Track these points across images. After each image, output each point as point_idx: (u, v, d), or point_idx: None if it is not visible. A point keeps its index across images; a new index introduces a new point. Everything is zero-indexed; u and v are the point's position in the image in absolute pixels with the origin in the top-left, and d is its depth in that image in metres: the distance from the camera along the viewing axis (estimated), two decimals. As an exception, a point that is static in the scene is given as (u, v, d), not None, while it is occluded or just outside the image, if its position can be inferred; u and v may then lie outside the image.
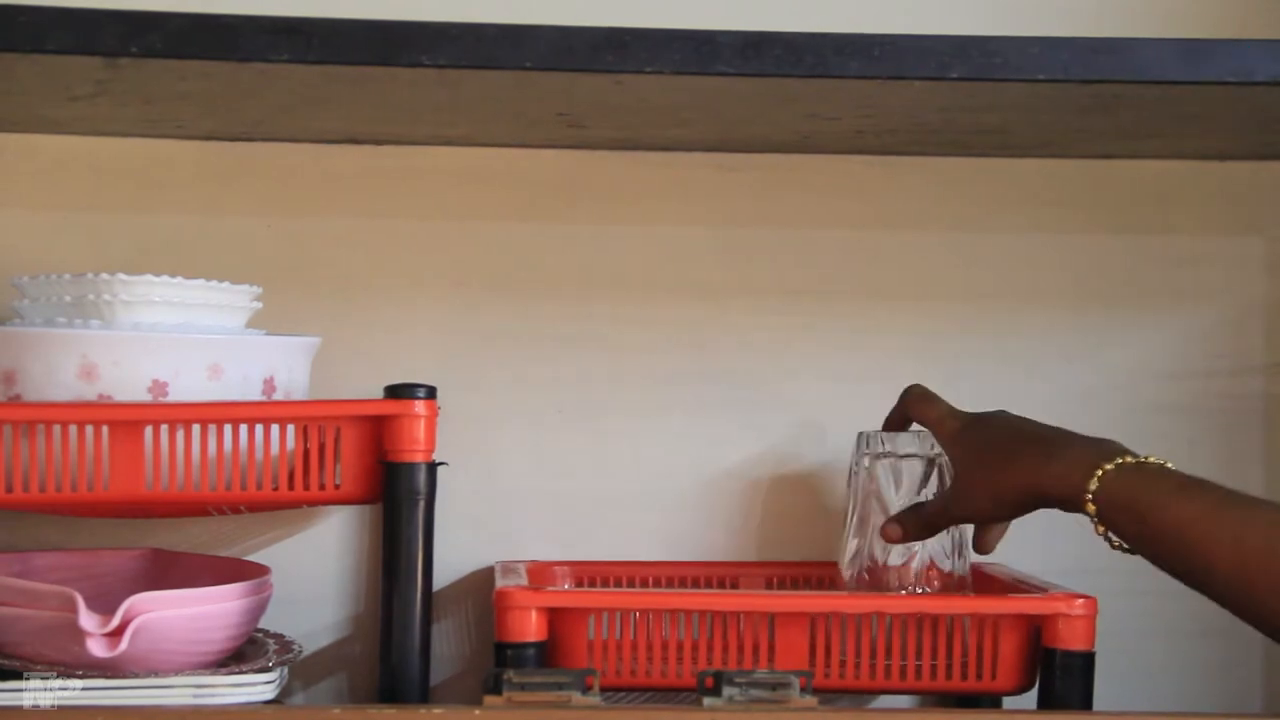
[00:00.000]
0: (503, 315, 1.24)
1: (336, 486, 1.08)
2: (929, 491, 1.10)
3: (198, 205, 1.23)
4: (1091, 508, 0.98)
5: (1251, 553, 0.92)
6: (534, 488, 1.25)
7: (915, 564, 1.10)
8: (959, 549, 1.11)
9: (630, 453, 1.25)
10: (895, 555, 1.10)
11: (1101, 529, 0.98)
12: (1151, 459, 0.99)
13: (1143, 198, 1.28)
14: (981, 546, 1.09)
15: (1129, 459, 0.98)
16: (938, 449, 1.10)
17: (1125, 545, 0.98)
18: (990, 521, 1.08)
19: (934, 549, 1.10)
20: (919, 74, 0.95)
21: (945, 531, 1.10)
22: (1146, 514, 0.96)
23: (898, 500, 1.10)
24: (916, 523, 1.08)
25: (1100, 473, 0.97)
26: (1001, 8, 1.23)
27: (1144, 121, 1.11)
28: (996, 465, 1.04)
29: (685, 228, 1.26)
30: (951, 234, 1.27)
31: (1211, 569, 0.94)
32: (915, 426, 1.11)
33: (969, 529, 1.10)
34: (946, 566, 1.10)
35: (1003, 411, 1.08)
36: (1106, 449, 1.00)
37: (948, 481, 1.10)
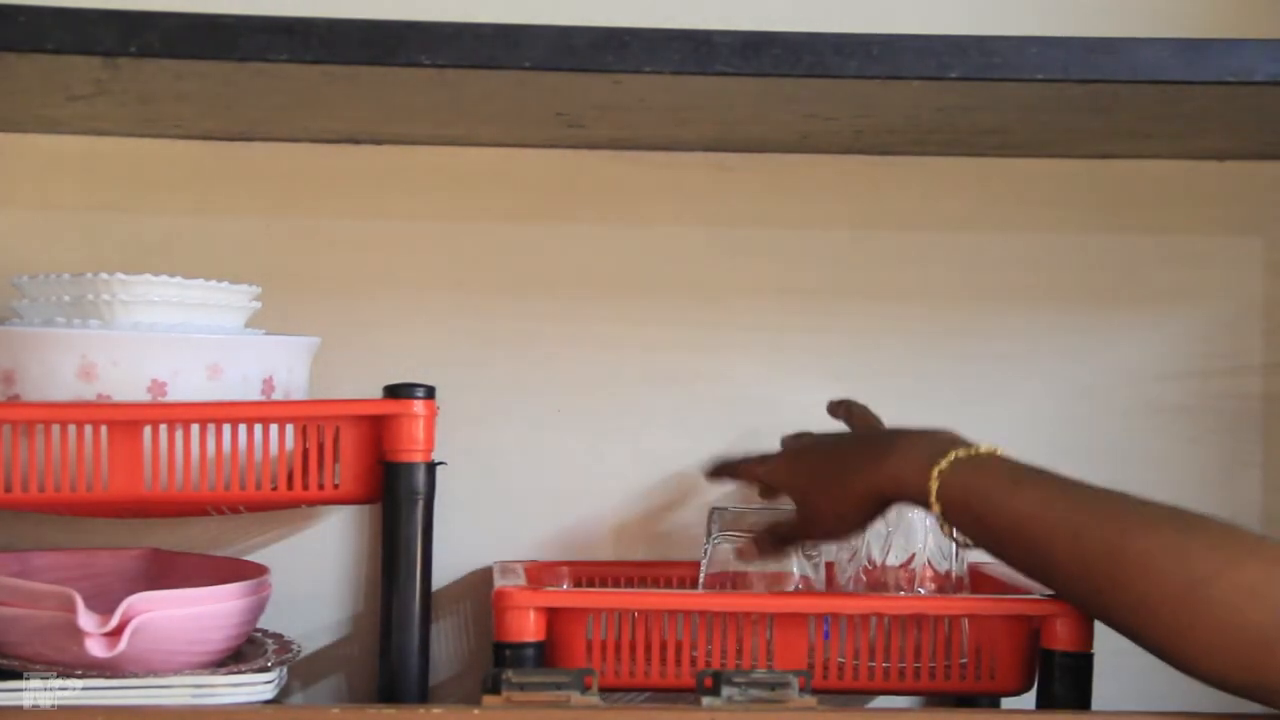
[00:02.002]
0: (502, 315, 1.24)
1: (336, 486, 1.08)
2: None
3: (197, 205, 1.23)
4: (937, 508, 0.97)
5: (1090, 547, 0.91)
6: (534, 488, 1.25)
7: (913, 564, 1.10)
8: (957, 550, 1.11)
9: (630, 453, 1.25)
10: (893, 556, 1.10)
11: (947, 528, 0.98)
12: (984, 448, 0.98)
13: (1143, 198, 1.28)
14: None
15: (962, 452, 0.97)
16: None
17: (965, 541, 0.99)
18: (844, 536, 1.08)
19: (932, 550, 1.10)
20: (918, 74, 0.95)
21: (944, 533, 1.10)
22: (984, 512, 0.96)
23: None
24: (771, 544, 1.08)
25: (937, 470, 0.97)
26: (1001, 8, 1.23)
27: (1143, 121, 1.11)
28: (831, 482, 1.03)
29: (684, 228, 1.26)
30: (951, 234, 1.27)
31: (1052, 565, 0.94)
32: None
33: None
34: (944, 567, 1.10)
35: (812, 434, 1.10)
36: (939, 442, 0.99)
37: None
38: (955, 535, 0.98)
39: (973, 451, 0.98)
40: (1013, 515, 0.95)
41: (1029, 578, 0.99)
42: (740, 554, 1.08)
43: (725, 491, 1.24)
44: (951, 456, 0.97)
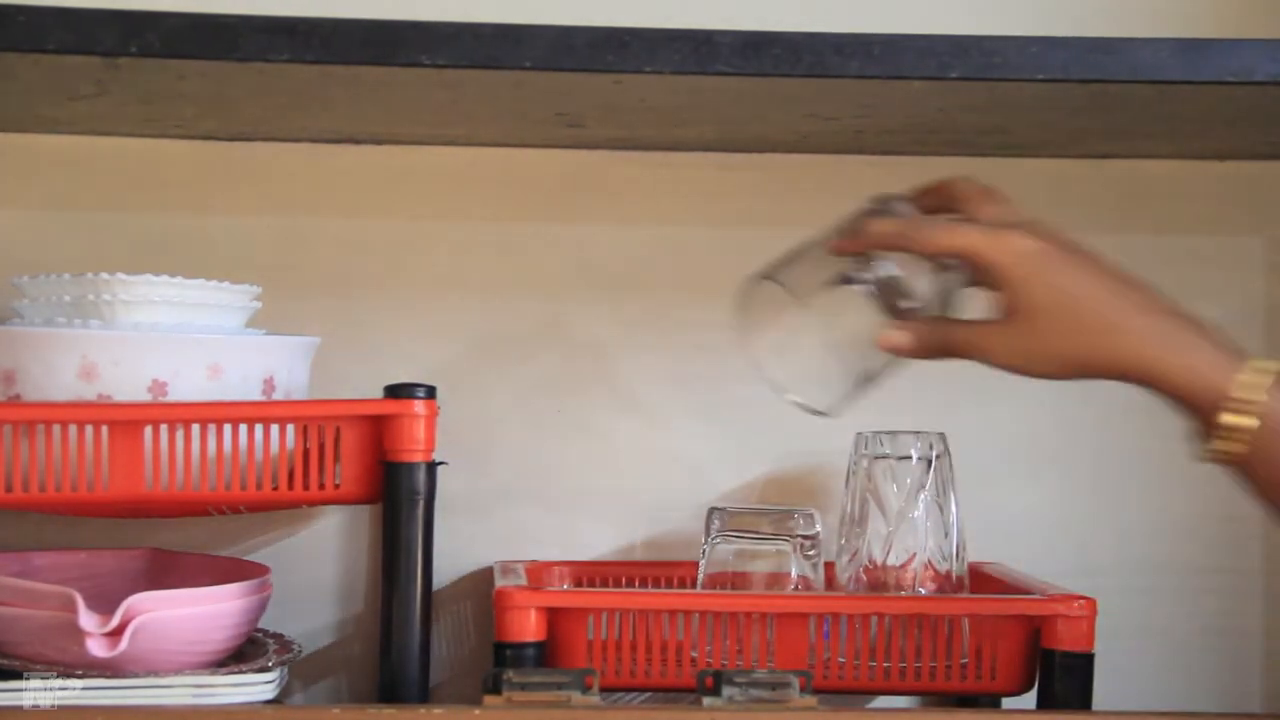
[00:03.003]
0: (502, 315, 1.25)
1: (336, 486, 1.08)
2: (927, 493, 1.10)
3: (198, 205, 1.23)
4: (1244, 420, 0.80)
5: None
6: (534, 488, 1.25)
7: (914, 564, 1.10)
8: (957, 550, 1.11)
9: (630, 453, 1.25)
10: (893, 556, 1.10)
11: (1223, 444, 0.81)
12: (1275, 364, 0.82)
13: (1143, 198, 1.28)
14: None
15: (1268, 364, 0.81)
16: (936, 450, 1.10)
17: (1229, 464, 0.82)
18: (1041, 378, 0.87)
19: (932, 550, 1.10)
20: (918, 74, 0.95)
21: (944, 533, 1.10)
22: None
23: (896, 501, 1.10)
24: (934, 338, 0.88)
25: (1253, 378, 0.81)
26: (1001, 8, 1.23)
27: (1143, 121, 1.11)
28: (1094, 323, 0.83)
29: (685, 228, 1.26)
30: (951, 234, 1.27)
31: None
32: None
33: (966, 528, 1.10)
34: (944, 567, 1.10)
35: (1077, 246, 0.87)
36: (1234, 347, 0.83)
37: (945, 479, 1.10)
38: (1226, 450, 0.82)
39: (1273, 367, 0.81)
40: None
41: None
42: (887, 341, 0.87)
43: (724, 492, 1.24)
44: (1265, 366, 0.80)
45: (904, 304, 0.88)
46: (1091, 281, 0.84)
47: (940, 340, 0.87)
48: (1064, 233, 0.87)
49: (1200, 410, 0.81)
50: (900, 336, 0.87)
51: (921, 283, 0.88)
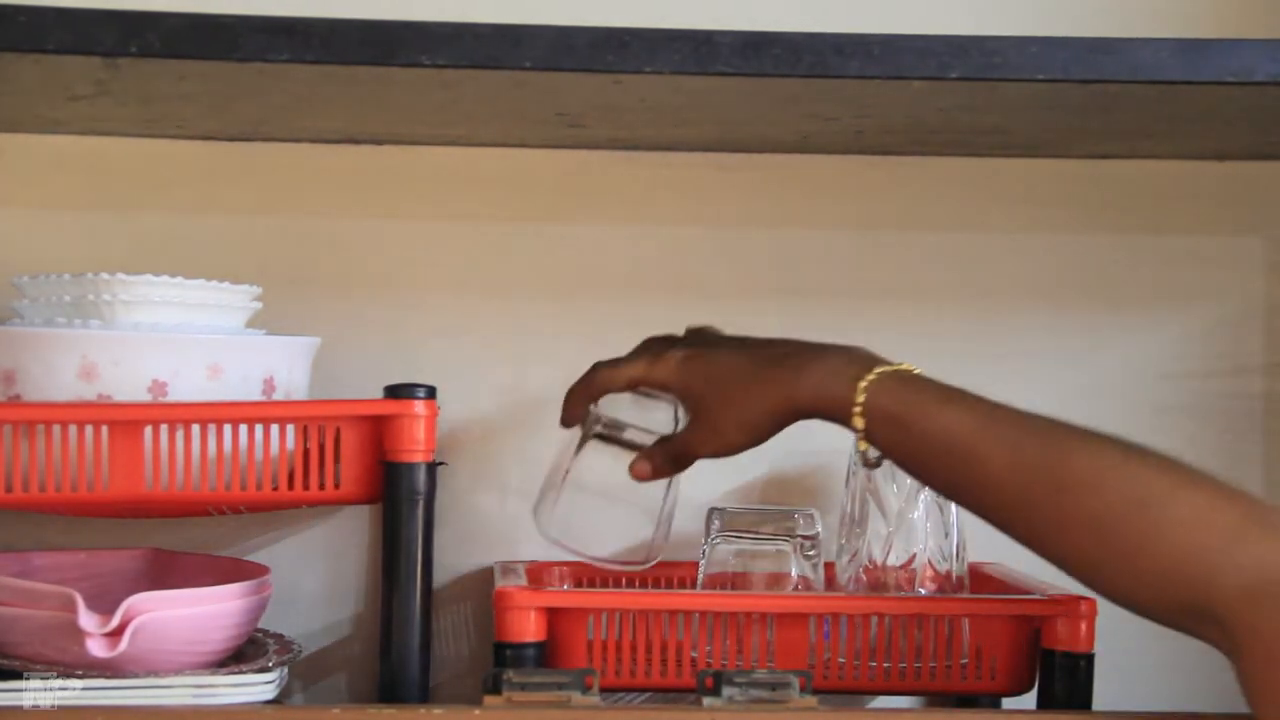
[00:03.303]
0: (503, 315, 1.25)
1: (336, 486, 1.08)
2: (927, 493, 1.10)
3: (198, 205, 1.23)
4: (860, 421, 0.93)
5: (1031, 463, 0.88)
6: (534, 488, 1.24)
7: (914, 565, 1.10)
8: (958, 550, 1.11)
9: (630, 453, 1.25)
10: (893, 556, 1.10)
11: (864, 445, 0.94)
12: (905, 365, 0.95)
13: (1143, 198, 1.28)
14: None
15: (887, 367, 0.95)
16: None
17: (878, 459, 0.95)
18: (742, 449, 1.01)
19: (932, 550, 1.10)
20: (919, 74, 0.95)
21: (944, 533, 1.10)
22: (912, 425, 0.92)
23: (896, 501, 1.10)
24: (664, 458, 1.02)
25: (864, 383, 0.94)
26: (1001, 8, 1.23)
27: (1144, 121, 1.11)
28: (741, 393, 0.98)
29: (685, 228, 1.26)
30: (951, 234, 1.27)
31: (981, 480, 0.90)
32: None
33: (966, 528, 1.10)
34: (944, 568, 1.10)
35: (712, 332, 1.03)
36: (860, 357, 0.96)
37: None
38: (869, 455, 0.95)
39: (897, 367, 0.95)
40: (944, 428, 0.91)
41: (953, 497, 0.97)
42: (635, 473, 1.02)
43: (724, 492, 1.24)
44: (877, 371, 0.94)
45: (638, 440, 1.04)
46: (730, 361, 0.99)
47: (669, 457, 1.02)
48: (710, 333, 1.04)
49: (843, 423, 0.95)
50: (641, 466, 1.02)
51: (636, 419, 1.04)
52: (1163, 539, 0.84)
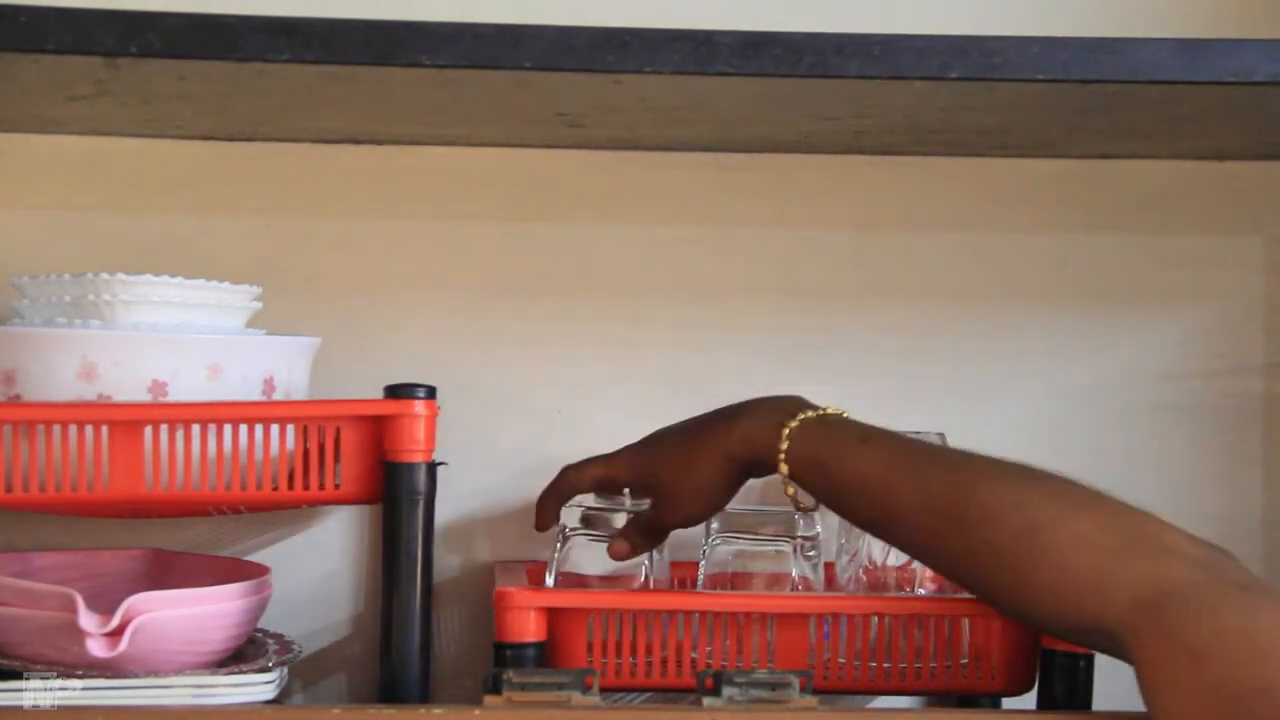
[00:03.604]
0: (502, 315, 1.24)
1: (336, 486, 1.08)
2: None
3: (198, 205, 1.23)
4: (784, 468, 0.99)
5: (935, 495, 0.94)
6: (534, 488, 1.24)
7: (914, 565, 1.10)
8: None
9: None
10: (893, 556, 1.10)
11: (790, 490, 1.01)
12: (831, 410, 1.01)
13: (1143, 198, 1.28)
14: None
15: (811, 413, 1.00)
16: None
17: (809, 504, 1.02)
18: (706, 515, 1.07)
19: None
20: (919, 74, 0.95)
21: (787, 493, 1.10)
22: (831, 467, 0.98)
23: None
24: (639, 534, 1.07)
25: (787, 430, 0.99)
26: (1001, 8, 1.23)
27: (1144, 121, 1.11)
28: (682, 458, 1.04)
29: (685, 228, 1.26)
30: (951, 234, 1.27)
31: (894, 517, 0.96)
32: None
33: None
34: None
35: (660, 428, 1.09)
36: (788, 405, 1.02)
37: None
38: (797, 496, 1.02)
39: (821, 412, 1.01)
40: (859, 469, 0.97)
41: (873, 532, 1.02)
42: (613, 553, 1.07)
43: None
44: (800, 417, 1.00)
45: (614, 523, 1.09)
46: (671, 438, 1.06)
47: (645, 532, 1.07)
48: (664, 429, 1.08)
49: (771, 469, 1.01)
50: (619, 546, 1.07)
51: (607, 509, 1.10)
52: (1050, 562, 0.91)
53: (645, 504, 1.07)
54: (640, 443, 1.08)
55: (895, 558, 1.10)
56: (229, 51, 0.93)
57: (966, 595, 1.10)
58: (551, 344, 1.25)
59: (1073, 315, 1.28)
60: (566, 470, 1.10)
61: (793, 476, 1.00)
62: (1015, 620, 0.98)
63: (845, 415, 1.01)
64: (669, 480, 1.05)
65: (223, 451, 1.04)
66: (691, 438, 1.05)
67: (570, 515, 1.10)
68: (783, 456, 0.99)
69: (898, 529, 0.98)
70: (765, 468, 1.01)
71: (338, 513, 1.23)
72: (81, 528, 1.20)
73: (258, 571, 1.08)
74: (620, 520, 1.09)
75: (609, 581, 1.08)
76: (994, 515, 0.93)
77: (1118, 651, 0.89)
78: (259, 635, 1.10)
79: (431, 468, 1.08)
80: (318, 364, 1.14)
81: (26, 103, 1.10)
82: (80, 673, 0.98)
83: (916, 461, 0.97)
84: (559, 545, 1.10)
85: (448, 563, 1.22)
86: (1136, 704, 1.12)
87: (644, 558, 1.08)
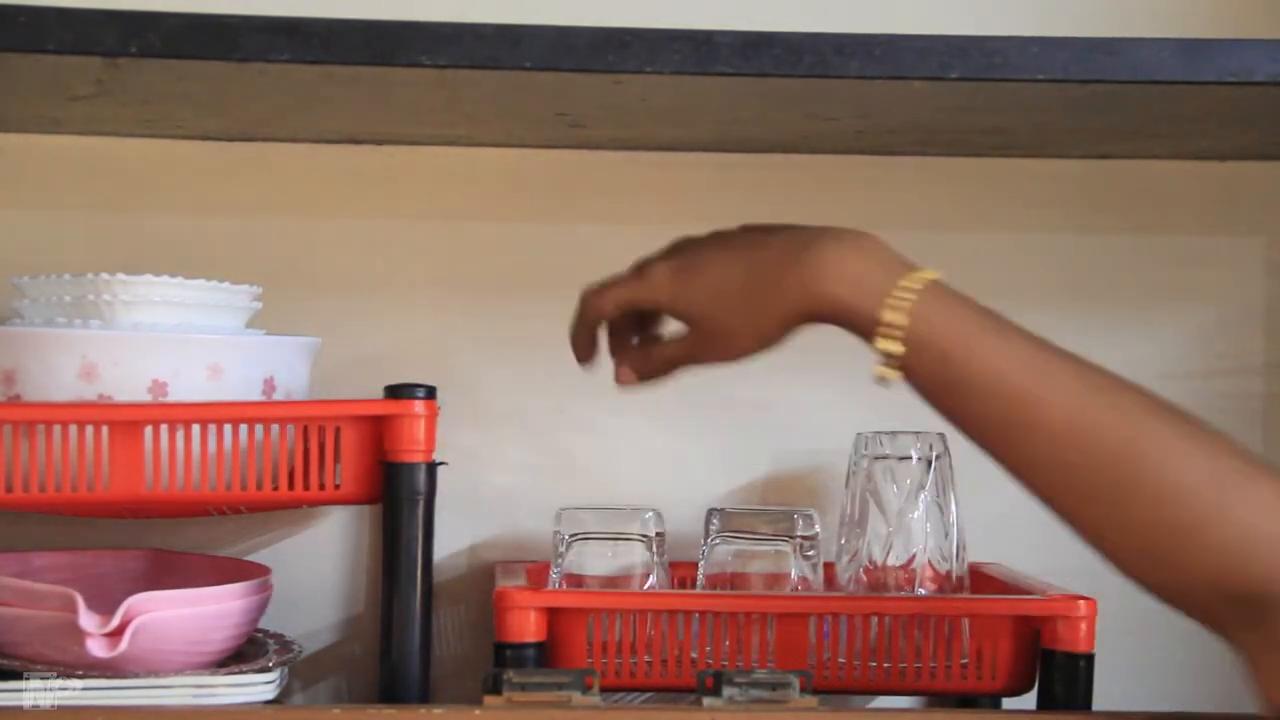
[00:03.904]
0: (502, 315, 1.24)
1: (336, 486, 1.08)
2: (927, 494, 1.10)
3: (197, 205, 1.23)
4: (889, 345, 0.84)
5: (1093, 418, 0.81)
6: (534, 488, 1.25)
7: (914, 565, 1.10)
8: (957, 550, 1.11)
9: (630, 453, 1.25)
10: (893, 556, 1.10)
11: (883, 371, 0.85)
12: (931, 273, 0.86)
13: (1143, 198, 1.28)
14: None
15: (914, 280, 0.85)
16: (936, 450, 1.10)
17: (895, 378, 0.85)
18: (752, 355, 0.92)
19: (932, 550, 1.10)
20: (919, 74, 0.95)
21: (944, 533, 1.10)
22: (957, 356, 0.83)
23: (896, 502, 1.10)
24: (650, 363, 0.95)
25: (891, 299, 0.84)
26: (1001, 8, 1.23)
27: (1144, 121, 1.11)
28: (742, 300, 0.89)
29: (685, 228, 1.25)
30: (951, 234, 1.27)
31: (1039, 431, 0.82)
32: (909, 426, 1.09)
33: (966, 529, 1.10)
34: (944, 568, 1.10)
35: (690, 239, 0.94)
36: (882, 258, 0.87)
37: (945, 480, 1.10)
38: (885, 377, 0.85)
39: (925, 278, 0.86)
40: (996, 371, 0.82)
41: (991, 447, 0.84)
42: (619, 378, 0.96)
43: (724, 492, 1.24)
44: (906, 284, 0.85)
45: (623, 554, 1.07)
46: (725, 270, 0.90)
47: (660, 362, 0.95)
48: (692, 241, 0.94)
49: (865, 320, 0.85)
50: (623, 371, 0.96)
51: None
52: (1231, 520, 0.80)
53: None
54: (676, 258, 0.93)
55: (895, 558, 1.10)
56: (229, 51, 0.93)
57: (966, 595, 1.10)
58: (551, 344, 1.24)
59: (1073, 315, 1.27)
60: (587, 295, 0.97)
61: (904, 359, 0.83)
62: (1144, 580, 0.84)
63: (947, 284, 0.85)
64: (720, 319, 0.90)
65: (222, 451, 1.04)
66: (756, 278, 0.88)
67: (571, 520, 1.10)
68: (893, 332, 0.83)
69: (1034, 450, 0.82)
70: (856, 333, 0.85)
71: (338, 513, 1.23)
72: (81, 528, 1.20)
73: (258, 571, 1.08)
74: (635, 553, 1.08)
75: (610, 582, 1.08)
76: (1171, 454, 0.80)
77: (1245, 637, 0.82)
78: (259, 635, 1.10)
79: (431, 468, 1.08)
80: (318, 364, 1.14)
81: (26, 103, 1.10)
82: (80, 673, 0.98)
83: (1071, 373, 0.83)
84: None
85: (448, 563, 1.22)
86: (1136, 704, 1.12)
87: (645, 558, 1.08)
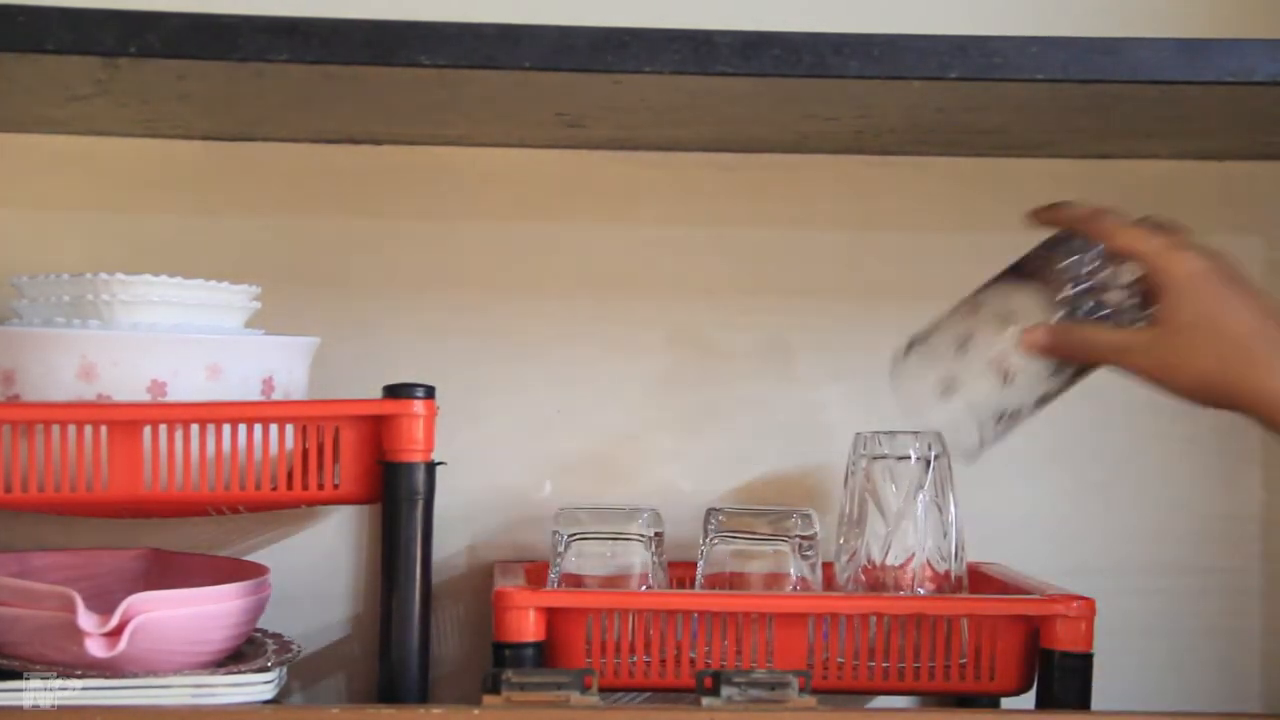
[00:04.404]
0: (502, 315, 1.24)
1: (335, 486, 1.08)
2: (926, 493, 1.10)
3: (197, 205, 1.23)
4: None
5: None
6: (533, 488, 1.25)
7: (912, 565, 1.10)
8: (956, 550, 1.11)
9: (630, 453, 1.25)
10: (893, 556, 1.10)
11: None
12: None
13: (1143, 198, 1.27)
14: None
15: None
16: (935, 450, 1.10)
17: None
18: (1174, 394, 0.89)
19: (931, 550, 1.10)
20: (918, 74, 0.95)
21: (943, 533, 1.10)
22: None
23: (895, 502, 1.10)
24: (1071, 340, 0.90)
25: None
26: (1001, 8, 1.23)
27: (1143, 121, 1.11)
28: (1235, 346, 0.85)
29: (684, 228, 1.26)
30: (951, 234, 1.27)
31: None
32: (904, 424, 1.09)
33: (965, 528, 1.10)
34: (943, 568, 1.10)
35: (1237, 269, 0.90)
36: None
37: (944, 480, 1.10)
38: None
39: None
40: None
41: None
42: (1026, 340, 0.90)
43: (723, 492, 1.24)
44: None
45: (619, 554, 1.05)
46: (1242, 310, 0.86)
47: (1080, 341, 0.89)
48: (1229, 259, 0.89)
49: None
50: (1039, 334, 0.89)
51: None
52: None
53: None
54: (1215, 265, 0.89)
55: (894, 558, 1.10)
56: (229, 51, 0.93)
57: (965, 595, 1.10)
58: (551, 344, 1.25)
59: (1072, 315, 1.28)
60: (1104, 213, 0.92)
61: None
62: None
63: None
64: (1196, 342, 0.86)
65: (222, 451, 1.04)
66: (1258, 339, 0.85)
67: (570, 520, 1.10)
68: None
69: None
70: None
71: (337, 513, 1.23)
72: (81, 528, 1.20)
73: (257, 571, 1.08)
74: (633, 553, 1.07)
75: (609, 582, 1.08)
76: None
77: None
78: (258, 635, 1.10)
79: (431, 468, 1.08)
80: (317, 364, 1.14)
81: (26, 103, 1.10)
82: (80, 672, 0.98)
83: None
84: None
85: (447, 563, 1.22)
86: (1136, 704, 1.12)
87: (644, 557, 1.08)
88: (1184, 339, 0.86)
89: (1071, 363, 0.91)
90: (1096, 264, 0.93)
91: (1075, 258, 0.93)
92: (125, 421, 1.03)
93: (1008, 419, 0.94)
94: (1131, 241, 0.90)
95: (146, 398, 1.04)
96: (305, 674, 1.22)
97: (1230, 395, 0.86)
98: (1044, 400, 0.94)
